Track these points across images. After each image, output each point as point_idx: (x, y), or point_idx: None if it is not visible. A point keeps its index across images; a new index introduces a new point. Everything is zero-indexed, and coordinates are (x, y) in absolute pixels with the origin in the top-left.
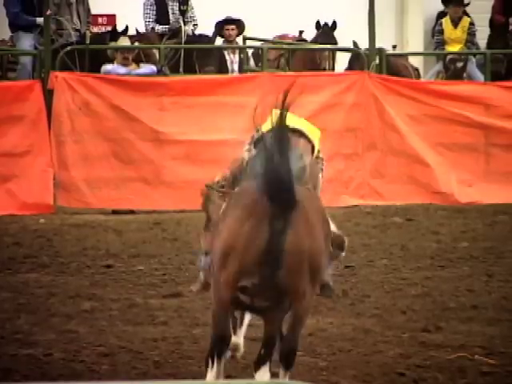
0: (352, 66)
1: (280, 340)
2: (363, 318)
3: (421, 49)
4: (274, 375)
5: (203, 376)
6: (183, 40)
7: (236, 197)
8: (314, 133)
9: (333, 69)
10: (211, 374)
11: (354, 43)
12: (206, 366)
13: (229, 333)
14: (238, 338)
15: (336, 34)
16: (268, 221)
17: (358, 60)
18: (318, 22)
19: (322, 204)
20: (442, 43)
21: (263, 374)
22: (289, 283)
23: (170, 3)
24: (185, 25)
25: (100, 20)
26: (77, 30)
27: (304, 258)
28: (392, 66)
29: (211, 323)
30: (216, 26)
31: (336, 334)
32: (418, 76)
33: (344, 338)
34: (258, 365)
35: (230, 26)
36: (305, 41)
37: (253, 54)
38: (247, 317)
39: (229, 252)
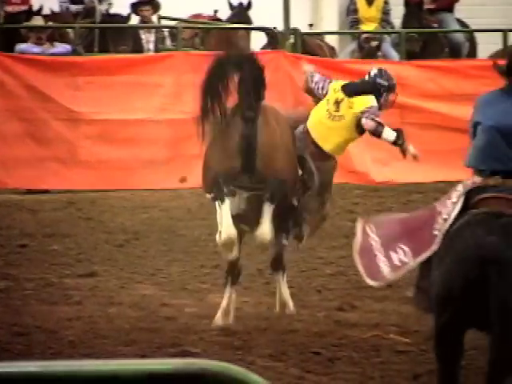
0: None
1: None
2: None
3: (335, 28)
4: None
5: (118, 355)
6: (98, 19)
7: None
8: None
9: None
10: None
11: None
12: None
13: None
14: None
15: (251, 13)
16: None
17: (273, 42)
18: (231, 2)
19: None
20: (356, 22)
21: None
22: (267, 165)
23: None
24: (99, 4)
25: None
26: None
27: (275, 144)
28: (305, 45)
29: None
30: (131, 7)
31: (251, 313)
32: (334, 55)
33: (259, 316)
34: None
35: (144, 7)
36: (219, 20)
37: (169, 33)
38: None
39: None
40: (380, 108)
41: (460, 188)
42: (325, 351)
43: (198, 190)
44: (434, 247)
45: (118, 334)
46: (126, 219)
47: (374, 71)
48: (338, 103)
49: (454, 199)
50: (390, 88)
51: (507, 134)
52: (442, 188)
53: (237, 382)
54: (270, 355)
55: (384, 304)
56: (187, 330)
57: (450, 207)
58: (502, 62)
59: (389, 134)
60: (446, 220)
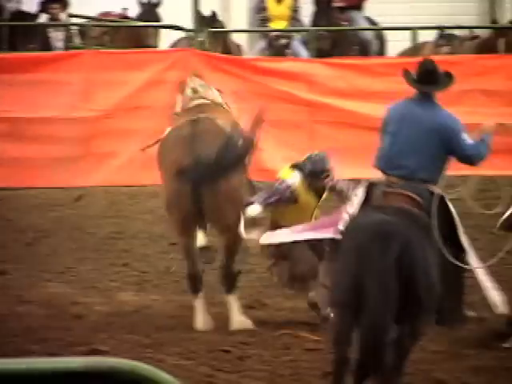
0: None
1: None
2: (188, 295)
3: (245, 25)
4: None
5: (28, 354)
6: (6, 17)
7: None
8: None
9: (156, 46)
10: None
11: None
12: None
13: (198, 271)
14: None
15: (161, 10)
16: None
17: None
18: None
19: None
20: (265, 20)
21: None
22: (218, 222)
23: None
24: (8, 2)
25: None
26: None
27: (221, 202)
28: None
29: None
30: (40, 5)
31: (161, 312)
32: (241, 53)
33: (169, 315)
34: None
35: (53, 5)
36: (128, 18)
37: (78, 31)
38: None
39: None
40: (312, 188)
41: (364, 183)
42: (235, 349)
43: (108, 187)
44: (332, 233)
45: (28, 332)
46: (35, 217)
47: (309, 154)
48: None
49: (358, 193)
50: (312, 174)
51: (413, 143)
52: None
53: (146, 380)
54: (180, 353)
55: (294, 302)
56: (97, 329)
57: (354, 200)
58: (413, 62)
59: (249, 210)
60: (349, 212)
